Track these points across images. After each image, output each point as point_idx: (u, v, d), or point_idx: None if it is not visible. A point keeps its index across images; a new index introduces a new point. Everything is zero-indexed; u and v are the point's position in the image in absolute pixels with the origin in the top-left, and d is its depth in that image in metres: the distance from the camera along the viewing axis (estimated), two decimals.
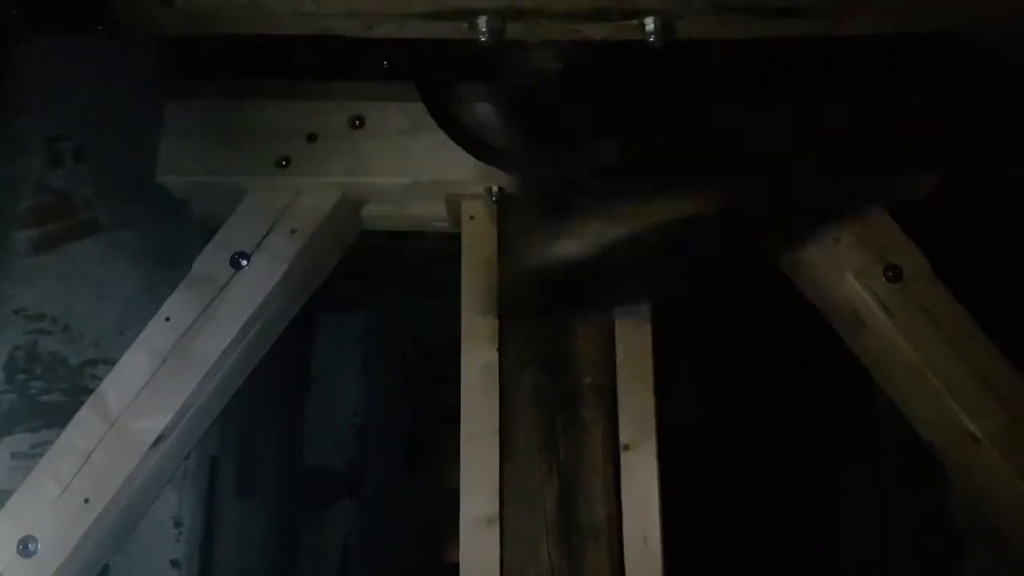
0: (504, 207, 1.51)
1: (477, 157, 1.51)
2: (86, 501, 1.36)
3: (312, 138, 1.51)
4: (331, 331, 2.28)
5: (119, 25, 1.06)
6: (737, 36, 1.11)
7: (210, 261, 1.47)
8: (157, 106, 1.58)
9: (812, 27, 1.09)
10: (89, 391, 1.59)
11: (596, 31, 1.09)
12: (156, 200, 1.66)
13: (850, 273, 1.46)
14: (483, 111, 1.52)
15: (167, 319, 1.44)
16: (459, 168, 1.52)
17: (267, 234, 1.49)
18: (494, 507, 1.39)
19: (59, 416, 1.61)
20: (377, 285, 2.25)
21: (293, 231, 1.50)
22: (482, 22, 1.05)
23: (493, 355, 1.46)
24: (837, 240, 1.47)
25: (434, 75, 1.51)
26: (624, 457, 1.40)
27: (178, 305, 1.45)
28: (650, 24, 1.05)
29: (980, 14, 1.08)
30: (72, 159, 1.78)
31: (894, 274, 1.44)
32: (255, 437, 1.99)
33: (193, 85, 1.55)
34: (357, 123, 1.52)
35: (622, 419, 1.42)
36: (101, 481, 1.37)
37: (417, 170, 1.52)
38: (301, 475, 2.23)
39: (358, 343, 2.32)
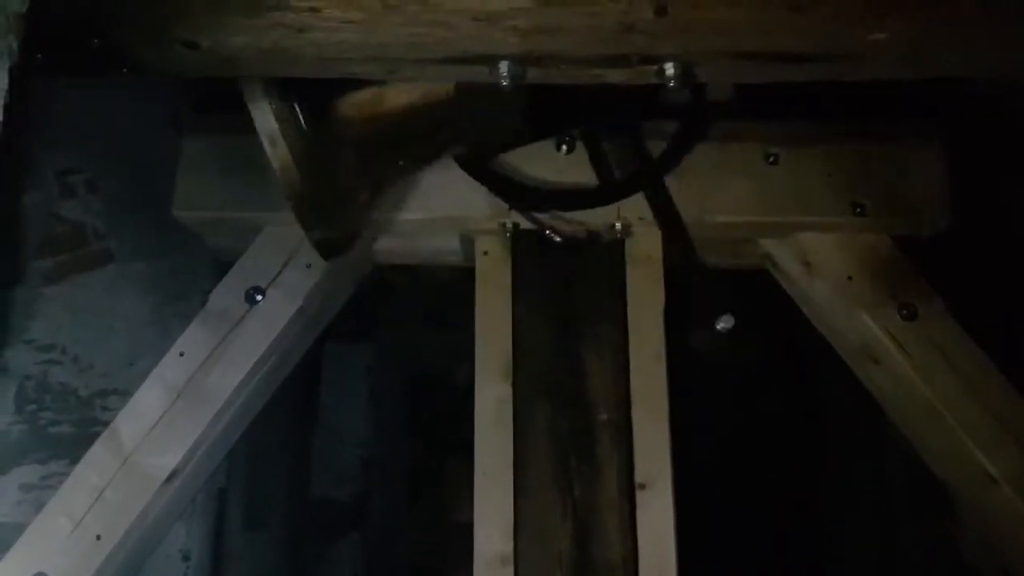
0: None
1: (492, 192, 1.52)
2: (98, 537, 1.36)
3: None
4: (338, 362, 2.27)
5: (144, 67, 1.06)
6: (756, 80, 1.12)
7: (225, 296, 1.48)
8: (170, 139, 1.59)
9: (831, 72, 1.10)
10: (99, 422, 1.60)
11: (616, 75, 1.10)
12: (167, 232, 1.67)
13: (863, 311, 1.46)
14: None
15: (181, 354, 1.44)
16: (474, 204, 1.53)
17: (282, 269, 1.50)
18: (508, 545, 1.38)
19: (68, 447, 1.61)
20: (385, 317, 2.25)
21: (308, 266, 1.50)
22: (503, 67, 1.06)
23: (507, 390, 1.46)
24: (850, 278, 1.48)
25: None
26: (640, 495, 1.39)
27: (192, 340, 1.45)
28: (670, 69, 1.06)
29: (986, 64, 1.09)
30: (84, 191, 1.79)
31: (908, 312, 1.45)
32: (262, 470, 1.98)
33: (210, 121, 1.56)
34: None
35: (637, 456, 1.41)
36: (113, 517, 1.37)
37: (432, 206, 1.53)
38: (308, 508, 2.21)
39: (365, 375, 2.31)
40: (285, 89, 1.26)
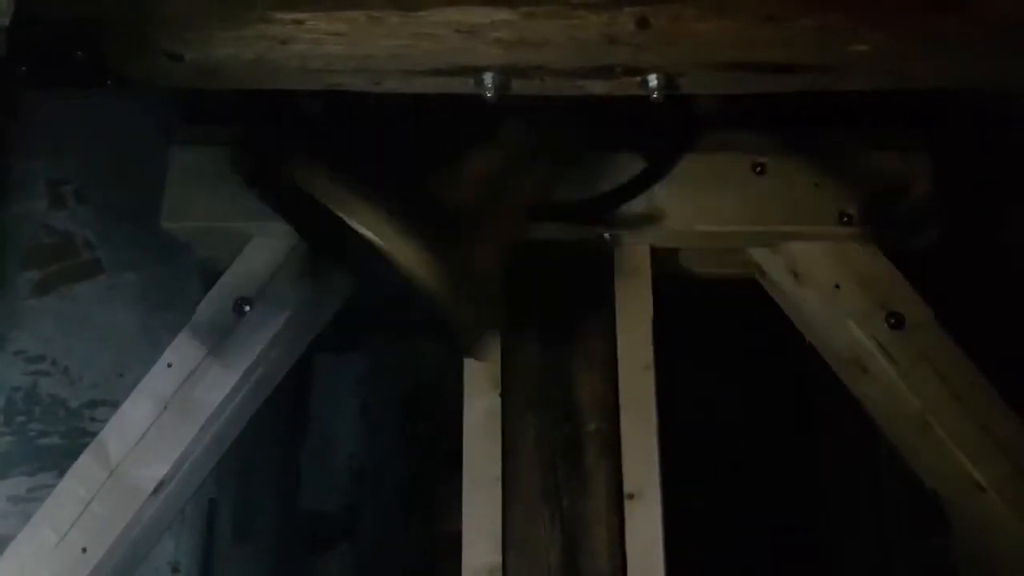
0: None
1: None
2: (84, 550, 1.35)
3: None
4: (329, 373, 2.27)
5: (128, 79, 1.07)
6: (739, 91, 1.13)
7: (213, 307, 1.47)
8: (159, 149, 1.59)
9: (814, 82, 1.11)
10: (88, 433, 1.59)
11: (599, 87, 1.10)
12: (157, 243, 1.67)
13: (851, 320, 1.46)
14: None
15: (169, 365, 1.44)
16: None
17: (270, 279, 1.49)
18: (496, 557, 1.38)
19: (57, 459, 1.61)
20: (377, 326, 2.25)
21: (297, 276, 1.50)
22: (487, 79, 1.06)
23: (496, 400, 1.46)
24: (838, 287, 1.48)
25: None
26: (628, 506, 1.38)
27: (180, 351, 1.44)
28: (653, 80, 1.07)
29: (974, 75, 1.10)
30: (74, 201, 1.79)
31: (896, 321, 1.45)
32: (252, 480, 1.97)
33: (198, 131, 1.56)
34: None
35: (626, 466, 1.41)
36: (99, 530, 1.36)
37: None
38: (298, 519, 2.21)
39: (357, 385, 2.31)
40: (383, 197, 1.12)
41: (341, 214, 1.08)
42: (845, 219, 1.49)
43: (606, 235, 1.51)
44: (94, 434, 1.44)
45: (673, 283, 1.59)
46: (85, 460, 1.39)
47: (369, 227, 1.08)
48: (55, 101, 1.64)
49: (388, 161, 1.17)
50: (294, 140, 1.23)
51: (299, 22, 0.99)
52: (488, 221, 1.29)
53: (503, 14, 0.98)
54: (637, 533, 1.37)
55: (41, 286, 1.75)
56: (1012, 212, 1.64)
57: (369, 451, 2.28)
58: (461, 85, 1.09)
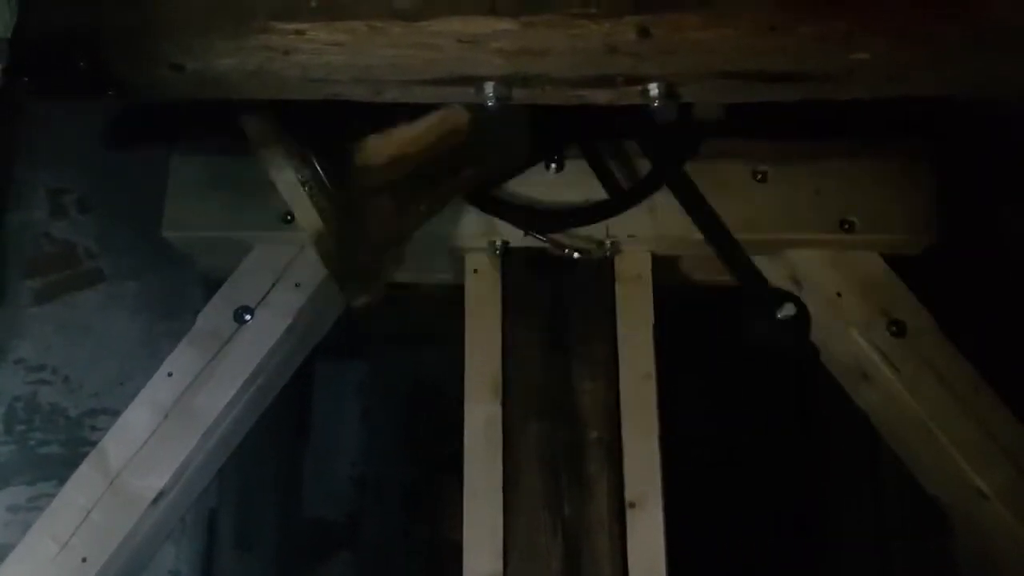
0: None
1: (481, 210, 1.53)
2: (84, 560, 1.35)
3: None
4: (330, 381, 2.27)
5: (129, 90, 1.07)
6: (740, 100, 1.13)
7: (213, 316, 1.48)
8: (161, 158, 1.59)
9: (814, 91, 1.11)
10: (88, 443, 1.59)
11: (600, 96, 1.10)
12: (158, 252, 1.67)
13: (853, 328, 1.46)
14: None
15: (169, 374, 1.44)
16: (463, 222, 1.53)
17: (271, 288, 1.50)
18: (498, 565, 1.37)
19: (57, 468, 1.60)
20: (378, 333, 2.24)
21: (297, 285, 1.50)
22: (489, 88, 1.06)
23: (496, 408, 1.46)
24: (839, 295, 1.48)
25: None
26: (630, 515, 1.38)
27: (181, 360, 1.45)
28: (654, 90, 1.07)
29: (975, 82, 1.10)
30: (76, 210, 1.79)
31: (898, 328, 1.45)
32: (253, 489, 1.97)
33: (199, 141, 1.56)
34: None
35: (628, 474, 1.41)
36: (100, 539, 1.36)
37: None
38: (300, 528, 2.20)
39: (358, 393, 2.31)
40: (302, 147, 1.22)
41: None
42: (846, 226, 1.49)
43: (607, 242, 1.51)
44: (94, 443, 1.44)
45: (674, 291, 1.59)
46: (85, 469, 1.39)
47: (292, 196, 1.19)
48: (57, 111, 1.64)
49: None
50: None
51: (300, 32, 0.99)
52: (401, 185, 1.31)
53: (504, 24, 0.98)
54: (639, 541, 1.37)
55: (42, 295, 1.75)
56: (1013, 217, 1.64)
57: (370, 458, 2.28)
58: (462, 95, 1.09)
